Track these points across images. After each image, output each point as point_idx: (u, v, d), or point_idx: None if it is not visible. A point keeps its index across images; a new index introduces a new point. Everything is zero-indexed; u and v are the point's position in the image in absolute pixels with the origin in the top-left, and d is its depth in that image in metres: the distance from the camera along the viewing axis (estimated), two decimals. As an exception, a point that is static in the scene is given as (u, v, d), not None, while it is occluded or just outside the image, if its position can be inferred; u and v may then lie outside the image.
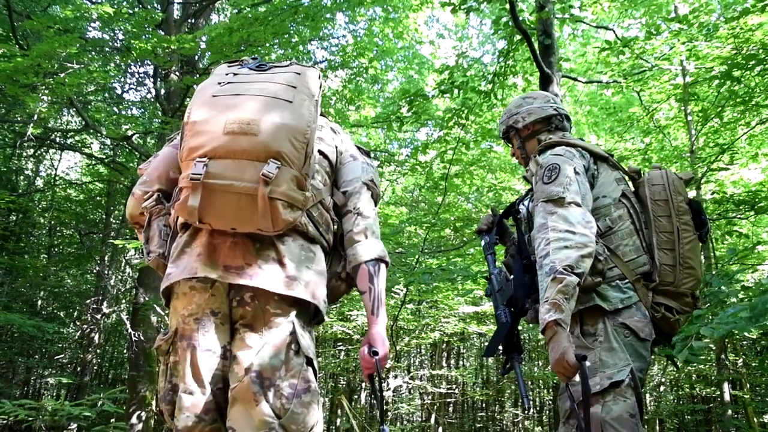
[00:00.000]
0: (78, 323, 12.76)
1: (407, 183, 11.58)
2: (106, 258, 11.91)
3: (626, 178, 2.49)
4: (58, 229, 13.31)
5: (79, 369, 11.07)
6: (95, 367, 11.74)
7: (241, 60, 2.11)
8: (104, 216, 12.80)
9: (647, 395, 11.69)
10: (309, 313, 1.95)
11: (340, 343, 10.10)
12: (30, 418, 3.19)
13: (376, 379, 1.96)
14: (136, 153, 11.81)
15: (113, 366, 12.60)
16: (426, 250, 5.46)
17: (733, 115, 7.07)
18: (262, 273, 1.84)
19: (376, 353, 1.91)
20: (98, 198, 13.11)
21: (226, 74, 2.00)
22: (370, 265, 1.97)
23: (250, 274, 1.83)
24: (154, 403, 9.35)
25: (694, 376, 10.43)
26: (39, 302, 12.97)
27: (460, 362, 13.52)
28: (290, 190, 1.80)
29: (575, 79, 7.99)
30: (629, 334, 2.22)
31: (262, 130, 1.78)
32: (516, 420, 14.04)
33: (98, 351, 11.76)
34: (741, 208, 6.29)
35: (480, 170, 9.56)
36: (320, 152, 2.07)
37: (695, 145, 7.83)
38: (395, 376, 10.60)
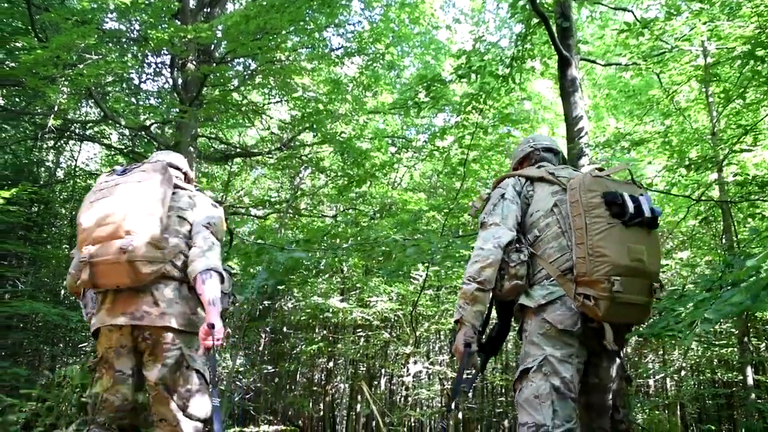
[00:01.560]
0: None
1: (425, 169, 11.55)
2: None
3: (564, 188, 2.82)
4: (79, 220, 13.44)
5: (102, 357, 11.19)
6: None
7: (113, 168, 3.13)
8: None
9: (668, 380, 11.61)
10: (192, 336, 2.89)
11: (360, 330, 10.14)
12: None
13: (215, 352, 2.80)
14: (155, 143, 11.88)
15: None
16: (445, 236, 5.47)
17: (756, 95, 6.95)
18: (146, 314, 2.77)
19: (212, 326, 2.72)
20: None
21: (101, 182, 2.99)
22: (203, 274, 2.82)
23: (138, 316, 2.77)
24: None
25: (716, 360, 10.34)
26: (62, 292, 13.14)
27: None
28: (148, 252, 2.72)
29: (594, 62, 7.91)
30: (550, 327, 2.61)
31: (117, 218, 2.74)
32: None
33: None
34: (764, 190, 6.21)
35: (498, 155, 9.51)
36: (179, 217, 2.99)
37: (717, 127, 7.71)
38: (415, 362, 10.63)
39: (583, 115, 6.37)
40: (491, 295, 2.74)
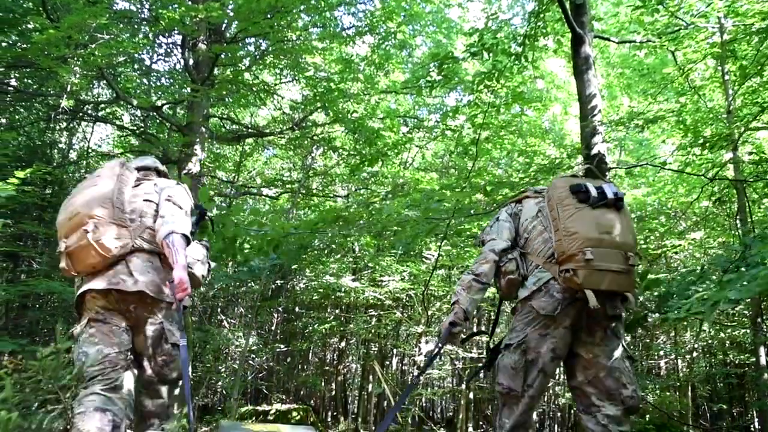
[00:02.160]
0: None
1: (437, 149, 11.51)
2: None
3: (543, 195, 3.51)
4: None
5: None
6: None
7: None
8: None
9: (679, 361, 11.61)
10: (168, 305, 3.27)
11: (372, 309, 10.18)
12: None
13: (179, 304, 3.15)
14: (167, 123, 11.91)
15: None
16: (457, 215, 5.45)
17: (774, 73, 6.85)
18: (121, 281, 3.17)
19: (171, 281, 3.09)
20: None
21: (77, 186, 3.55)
22: (165, 238, 3.17)
23: (114, 282, 3.16)
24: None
25: (728, 342, 10.30)
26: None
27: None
28: (110, 230, 3.20)
29: (608, 39, 7.80)
30: (534, 312, 3.18)
31: (79, 208, 3.22)
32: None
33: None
34: (780, 169, 6.15)
35: (510, 135, 9.45)
36: (146, 200, 3.45)
37: (732, 105, 7.61)
38: (426, 342, 10.68)
39: (596, 93, 6.30)
40: (486, 290, 3.39)
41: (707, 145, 6.46)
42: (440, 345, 3.46)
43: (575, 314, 3.12)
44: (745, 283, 2.75)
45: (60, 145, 13.59)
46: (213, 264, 3.87)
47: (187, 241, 3.27)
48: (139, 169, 3.65)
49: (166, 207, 3.37)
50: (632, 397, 3.09)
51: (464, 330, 3.33)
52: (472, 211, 5.82)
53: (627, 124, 7.19)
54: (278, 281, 12.11)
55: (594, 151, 5.91)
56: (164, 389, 3.37)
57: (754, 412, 9.52)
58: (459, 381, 11.71)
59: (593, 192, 3.20)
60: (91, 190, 3.33)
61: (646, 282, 4.55)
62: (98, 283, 3.19)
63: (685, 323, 11.23)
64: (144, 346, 3.26)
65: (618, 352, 3.14)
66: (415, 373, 4.13)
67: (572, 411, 13.23)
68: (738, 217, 7.61)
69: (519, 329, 3.26)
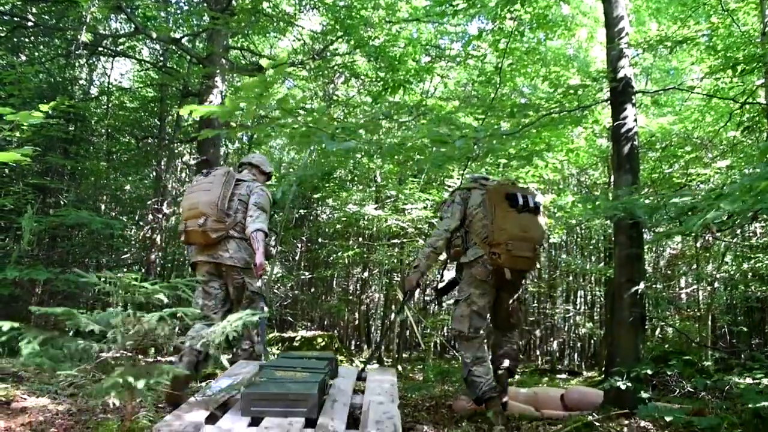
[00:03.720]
0: (141, 223, 13.27)
1: (459, 77, 11.32)
2: (162, 162, 12.21)
3: (487, 188, 4.72)
4: (114, 136, 13.63)
5: (143, 269, 11.60)
6: (158, 268, 12.27)
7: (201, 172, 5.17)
8: (158, 121, 13.03)
9: (700, 293, 11.64)
10: (250, 270, 4.78)
11: (395, 239, 10.24)
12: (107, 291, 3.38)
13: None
14: (186, 56, 11.84)
15: (175, 267, 13.15)
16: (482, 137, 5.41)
17: (812, -10, 6.57)
18: (220, 256, 4.74)
19: (257, 264, 4.61)
20: (151, 105, 13.30)
21: (192, 181, 5.10)
22: (252, 233, 4.65)
23: (215, 257, 4.76)
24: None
25: (750, 275, 10.27)
26: (102, 207, 13.49)
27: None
28: (213, 224, 4.67)
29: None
30: (474, 277, 4.60)
31: (198, 206, 4.71)
32: (567, 316, 14.22)
33: (160, 253, 12.24)
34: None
35: (534, 65, 9.26)
36: (240, 200, 4.87)
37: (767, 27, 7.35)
38: (448, 270, 10.76)
39: (624, 16, 6.13)
40: (450, 258, 4.93)
41: (738, 68, 6.29)
42: (406, 295, 5.14)
43: (498, 280, 4.56)
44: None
45: (81, 82, 13.60)
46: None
47: (266, 235, 4.73)
48: (241, 164, 5.30)
49: (253, 209, 4.82)
50: (516, 322, 4.94)
51: (421, 284, 4.83)
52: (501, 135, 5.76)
53: (655, 47, 7.00)
54: (301, 210, 12.22)
55: (620, 75, 5.80)
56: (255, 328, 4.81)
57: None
58: (398, 309, 11.83)
59: (521, 201, 4.54)
60: (206, 194, 4.82)
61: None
62: (205, 257, 4.86)
63: (708, 254, 11.22)
64: (235, 294, 4.86)
65: (512, 297, 4.80)
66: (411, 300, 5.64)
67: (592, 341, 13.41)
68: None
69: (465, 289, 4.69)
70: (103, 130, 13.54)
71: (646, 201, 5.08)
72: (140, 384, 3.41)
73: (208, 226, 4.71)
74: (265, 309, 4.77)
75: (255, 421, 3.14)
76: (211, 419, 3.16)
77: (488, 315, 4.74)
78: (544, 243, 4.66)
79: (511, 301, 4.77)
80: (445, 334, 12.36)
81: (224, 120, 9.30)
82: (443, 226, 4.65)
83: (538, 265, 4.86)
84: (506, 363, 4.82)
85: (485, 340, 4.64)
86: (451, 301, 5.15)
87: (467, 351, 4.57)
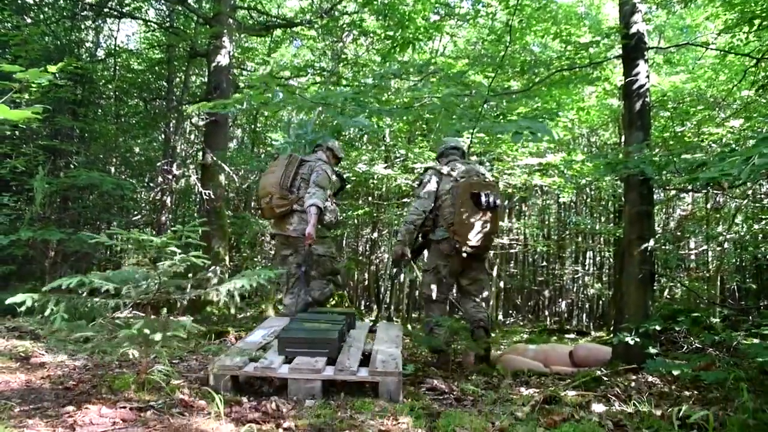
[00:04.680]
0: (152, 184, 13.32)
1: (469, 36, 11.15)
2: (171, 124, 12.19)
3: (456, 179, 5.51)
4: (122, 98, 13.59)
5: (154, 231, 11.67)
6: (169, 230, 12.34)
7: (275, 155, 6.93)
8: (166, 83, 12.97)
9: (710, 253, 11.62)
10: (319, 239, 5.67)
11: (405, 199, 10.25)
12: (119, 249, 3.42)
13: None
14: (193, 17, 11.72)
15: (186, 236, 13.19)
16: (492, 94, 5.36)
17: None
18: (286, 229, 5.74)
19: (307, 233, 5.45)
20: (159, 66, 13.23)
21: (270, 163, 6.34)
22: (308, 207, 5.46)
23: (283, 229, 5.79)
24: (227, 258, 9.87)
25: (760, 236, 10.22)
26: (112, 170, 13.53)
27: (522, 216, 13.56)
28: (278, 201, 5.66)
29: None
30: (440, 252, 5.51)
31: (266, 187, 5.81)
32: (576, 276, 14.27)
33: (170, 215, 12.31)
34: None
35: (544, 23, 9.09)
36: (302, 179, 5.74)
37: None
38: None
39: (638, -31, 6.02)
40: (421, 234, 5.63)
41: (755, 22, 6.16)
42: (394, 267, 6.23)
43: (459, 256, 5.39)
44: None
45: (87, 44, 13.51)
46: (334, 206, 6.01)
47: (319, 209, 5.50)
48: (317, 146, 6.24)
49: (312, 186, 5.60)
50: (488, 297, 5.79)
51: (407, 255, 5.62)
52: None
53: (669, 0, 6.86)
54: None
55: (633, 30, 5.72)
56: (317, 281, 5.84)
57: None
58: (490, 267, 11.87)
59: (483, 200, 5.31)
60: (272, 175, 5.78)
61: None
62: (276, 230, 5.89)
63: (718, 215, 11.18)
64: (302, 260, 5.64)
65: (479, 273, 5.67)
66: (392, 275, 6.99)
67: (600, 301, 13.48)
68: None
69: (432, 261, 5.63)
70: (111, 93, 13.50)
71: (656, 159, 5.04)
72: (157, 336, 3.49)
73: (273, 202, 5.68)
74: (340, 272, 6.12)
75: (288, 360, 4.07)
76: (253, 360, 4.05)
77: (452, 283, 5.68)
78: (498, 233, 5.73)
79: (473, 274, 5.62)
80: (455, 293, 12.42)
81: (234, 85, 9.25)
82: (421, 207, 5.50)
83: (492, 249, 5.93)
84: (481, 324, 5.56)
85: (445, 304, 5.62)
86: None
87: (432, 312, 5.52)
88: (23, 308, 3.39)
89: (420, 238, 5.69)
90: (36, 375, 4.08)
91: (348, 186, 11.65)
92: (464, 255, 5.32)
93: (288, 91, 4.36)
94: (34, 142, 9.20)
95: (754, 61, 6.87)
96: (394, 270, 6.29)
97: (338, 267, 6.06)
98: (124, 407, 3.32)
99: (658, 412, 3.69)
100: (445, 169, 5.62)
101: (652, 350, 4.73)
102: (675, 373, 4.31)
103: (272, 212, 5.71)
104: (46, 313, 3.28)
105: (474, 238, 5.29)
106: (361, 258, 13.57)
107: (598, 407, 3.88)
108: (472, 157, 7.24)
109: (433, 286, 5.51)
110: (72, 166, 10.41)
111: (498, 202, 5.40)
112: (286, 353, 4.11)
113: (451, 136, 6.26)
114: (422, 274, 5.78)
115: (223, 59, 9.95)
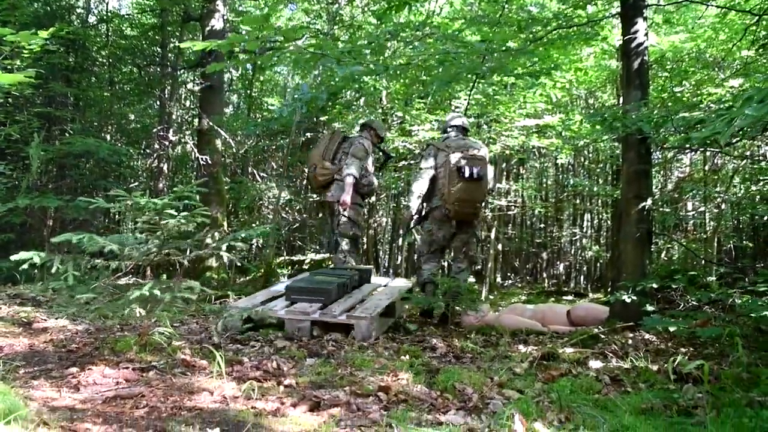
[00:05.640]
0: (148, 150, 13.25)
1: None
2: (166, 90, 12.08)
3: (448, 153, 6.02)
4: (116, 65, 13.43)
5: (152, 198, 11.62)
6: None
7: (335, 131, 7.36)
8: (160, 49, 12.81)
9: (707, 214, 11.66)
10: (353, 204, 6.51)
11: (403, 162, 10.23)
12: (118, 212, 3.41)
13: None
14: (185, -19, 11.51)
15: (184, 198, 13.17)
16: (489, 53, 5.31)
17: None
18: (327, 195, 6.62)
19: (342, 200, 6.34)
20: (152, 32, 13.05)
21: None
22: (344, 177, 6.34)
23: (327, 196, 6.66)
24: (225, 224, 9.88)
25: (758, 197, 10.23)
26: (108, 137, 13.44)
27: (520, 178, 13.53)
28: (320, 170, 6.56)
29: None
30: (434, 218, 6.17)
31: (311, 159, 6.85)
32: (574, 239, 14.33)
33: (167, 181, 12.26)
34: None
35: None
36: (343, 152, 6.58)
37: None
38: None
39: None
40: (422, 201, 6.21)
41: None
42: (404, 231, 8.03)
43: (450, 221, 6.11)
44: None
45: (78, 10, 13.29)
46: (371, 177, 6.78)
47: (355, 177, 6.32)
48: (362, 125, 6.99)
49: (349, 158, 6.38)
50: (473, 256, 6.49)
51: (414, 219, 6.41)
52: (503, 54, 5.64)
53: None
54: (308, 134, 12.15)
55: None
56: (344, 242, 6.58)
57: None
58: (488, 229, 11.93)
59: (467, 173, 5.85)
60: (316, 149, 6.72)
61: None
62: (322, 197, 6.83)
63: (716, 177, 11.17)
64: (334, 221, 6.59)
65: (468, 237, 6.28)
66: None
67: (598, 264, 13.56)
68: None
69: (429, 224, 6.27)
70: (104, 59, 13.33)
71: (654, 116, 5.01)
72: (166, 297, 3.51)
73: (317, 172, 6.55)
74: (358, 235, 6.79)
75: (292, 304, 4.79)
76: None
77: (445, 244, 6.36)
78: (484, 201, 6.34)
79: (463, 236, 6.27)
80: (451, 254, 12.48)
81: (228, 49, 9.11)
82: (425, 176, 6.11)
83: (479, 213, 6.46)
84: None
85: (438, 260, 6.35)
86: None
87: (426, 265, 6.28)
88: (25, 274, 3.40)
89: (423, 206, 6.31)
90: (39, 339, 4.12)
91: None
92: (453, 220, 6.08)
93: (285, 38, 4.28)
94: (28, 110, 9.12)
95: (755, 18, 6.79)
96: (401, 232, 7.59)
97: (358, 234, 6.74)
98: (127, 368, 3.36)
99: (655, 367, 3.74)
100: (442, 144, 6.18)
101: (649, 308, 4.77)
102: (671, 329, 4.36)
103: (316, 181, 6.60)
104: (53, 271, 3.29)
105: (462, 206, 5.96)
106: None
107: (595, 363, 3.93)
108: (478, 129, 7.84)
109: (427, 245, 6.31)
110: (67, 134, 10.34)
111: (480, 173, 5.91)
112: (291, 299, 4.84)
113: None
114: (420, 235, 6.78)
115: (217, 23, 9.82)
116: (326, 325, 4.59)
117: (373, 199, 12.55)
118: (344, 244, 6.57)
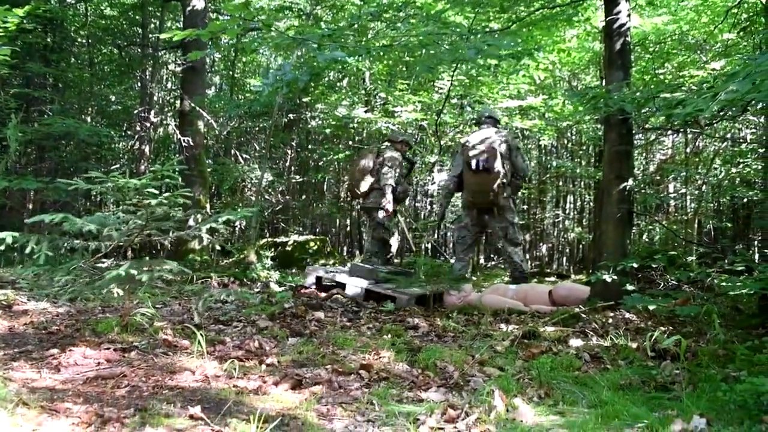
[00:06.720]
0: (129, 132, 13.10)
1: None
2: (147, 71, 11.93)
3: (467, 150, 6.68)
4: (96, 45, 13.23)
5: (134, 181, 11.51)
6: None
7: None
8: (140, 29, 12.63)
9: (688, 196, 11.79)
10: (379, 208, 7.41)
11: (386, 143, 10.21)
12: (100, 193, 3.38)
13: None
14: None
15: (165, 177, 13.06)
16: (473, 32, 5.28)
17: None
18: (366, 202, 7.54)
19: (384, 207, 7.29)
20: (132, 12, 12.86)
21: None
22: (385, 186, 7.23)
23: (363, 203, 7.73)
24: (208, 205, 9.82)
25: (738, 180, 10.33)
26: (88, 119, 13.27)
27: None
28: (362, 183, 7.44)
29: None
30: (462, 207, 7.47)
31: (354, 172, 7.72)
32: (556, 220, 14.41)
33: (149, 163, 12.15)
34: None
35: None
36: (380, 163, 7.40)
37: None
38: (439, 171, 10.80)
39: None
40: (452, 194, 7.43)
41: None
42: (442, 216, 8.09)
43: (472, 209, 6.91)
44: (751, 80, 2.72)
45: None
46: (405, 183, 7.63)
47: (393, 188, 7.17)
48: (389, 141, 7.66)
49: (384, 168, 7.20)
50: (513, 239, 6.84)
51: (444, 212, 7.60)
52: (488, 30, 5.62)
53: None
54: (290, 115, 12.06)
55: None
56: (376, 243, 7.51)
57: (756, 249, 9.76)
58: (438, 221, 11.95)
59: (473, 165, 6.44)
60: (362, 163, 7.39)
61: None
62: (361, 205, 7.73)
63: (697, 159, 11.27)
64: (371, 224, 7.47)
65: (506, 224, 6.76)
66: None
67: (580, 245, 13.66)
68: (763, 48, 7.33)
69: (460, 212, 7.00)
70: (83, 39, 13.12)
71: (636, 96, 5.03)
72: (144, 277, 3.49)
73: (360, 186, 7.39)
74: (390, 231, 7.41)
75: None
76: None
77: (475, 231, 7.07)
78: (496, 187, 6.51)
79: (493, 223, 6.83)
80: (436, 237, 12.51)
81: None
82: (453, 174, 7.02)
83: (497, 202, 6.72)
84: (515, 273, 6.90)
85: (468, 243, 7.06)
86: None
87: (457, 264, 6.94)
88: (4, 257, 3.36)
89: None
90: (19, 321, 4.08)
91: (327, 131, 11.70)
92: (473, 209, 6.88)
93: (265, 24, 4.22)
94: (5, 90, 8.97)
95: (737, 1, 6.82)
96: (437, 224, 9.45)
97: (386, 237, 7.44)
98: (108, 348, 3.35)
99: (634, 345, 3.80)
100: (464, 140, 6.90)
101: (630, 287, 4.82)
102: (651, 308, 4.41)
103: (358, 192, 7.44)
104: (27, 251, 3.26)
105: (475, 196, 6.70)
106: (342, 204, 13.55)
107: (575, 341, 3.98)
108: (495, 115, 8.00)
109: (458, 230, 7.20)
110: (46, 115, 10.19)
111: (487, 165, 6.42)
112: (352, 274, 6.37)
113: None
114: (452, 235, 8.59)
115: (198, 3, 9.69)
116: (372, 294, 5.97)
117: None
118: (374, 246, 7.53)
